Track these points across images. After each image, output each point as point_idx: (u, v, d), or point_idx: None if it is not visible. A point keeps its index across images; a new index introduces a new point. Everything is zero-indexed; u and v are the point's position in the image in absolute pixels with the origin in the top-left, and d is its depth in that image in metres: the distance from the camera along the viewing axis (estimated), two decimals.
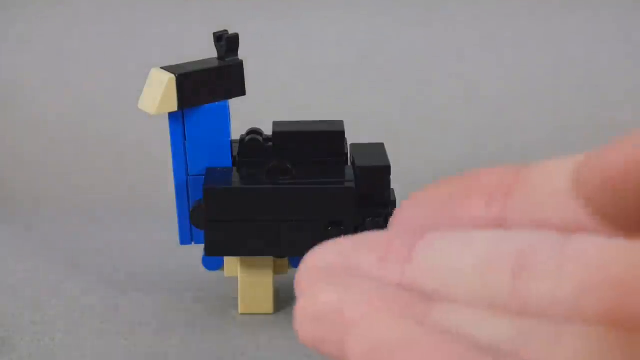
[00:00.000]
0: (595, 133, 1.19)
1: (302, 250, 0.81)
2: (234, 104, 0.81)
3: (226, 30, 0.81)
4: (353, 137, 0.84)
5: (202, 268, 0.85)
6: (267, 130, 0.83)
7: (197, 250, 0.86)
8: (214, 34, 0.81)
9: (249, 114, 0.93)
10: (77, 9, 1.26)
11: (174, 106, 0.78)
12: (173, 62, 0.80)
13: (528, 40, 1.26)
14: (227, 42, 0.80)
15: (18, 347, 0.78)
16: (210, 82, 0.79)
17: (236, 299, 0.84)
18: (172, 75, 0.77)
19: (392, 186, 0.79)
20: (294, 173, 0.80)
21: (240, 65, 0.81)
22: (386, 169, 0.78)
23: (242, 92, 0.81)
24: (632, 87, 1.23)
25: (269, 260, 0.82)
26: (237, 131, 0.83)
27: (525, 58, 1.25)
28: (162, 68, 0.79)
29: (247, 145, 0.81)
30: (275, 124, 0.83)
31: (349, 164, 0.82)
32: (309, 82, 1.23)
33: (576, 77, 1.24)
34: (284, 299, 0.86)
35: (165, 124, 0.80)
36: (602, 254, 0.33)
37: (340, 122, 0.83)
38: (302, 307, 0.37)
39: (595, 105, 1.22)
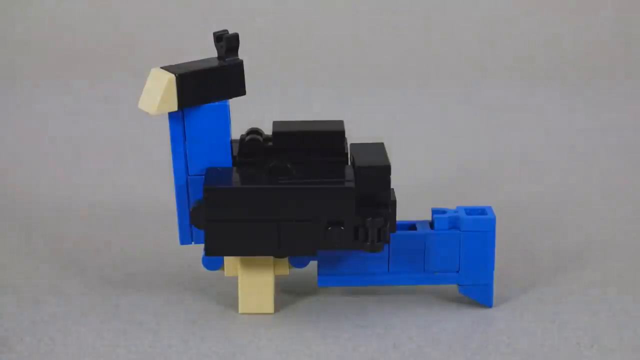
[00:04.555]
0: (595, 134, 1.19)
1: (302, 250, 0.82)
2: (234, 104, 0.81)
3: (226, 30, 0.81)
4: (353, 137, 0.84)
5: (202, 268, 0.85)
6: (267, 130, 0.83)
7: (197, 250, 0.86)
8: (214, 33, 0.81)
9: (249, 114, 0.92)
10: (77, 9, 1.26)
11: (174, 106, 0.78)
12: (173, 62, 0.80)
13: (529, 40, 1.26)
14: (227, 42, 0.80)
15: (18, 347, 0.78)
16: (210, 82, 0.79)
17: (236, 299, 0.84)
18: (172, 75, 0.77)
19: (392, 186, 0.79)
20: (294, 173, 0.80)
21: (240, 65, 0.81)
22: (386, 169, 0.78)
23: (242, 92, 0.81)
24: (632, 87, 1.23)
25: (269, 260, 0.82)
26: (237, 131, 0.83)
27: (526, 57, 1.25)
28: (162, 68, 0.79)
29: (247, 145, 0.81)
30: (275, 123, 0.83)
31: (349, 164, 0.82)
32: (309, 82, 1.23)
33: (577, 77, 1.24)
34: (284, 299, 0.86)
35: (165, 124, 0.80)
36: None
37: (340, 122, 0.83)
38: None
39: (596, 106, 1.22)
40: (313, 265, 0.84)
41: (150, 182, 1.09)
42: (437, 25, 1.26)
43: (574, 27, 1.26)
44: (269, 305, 0.83)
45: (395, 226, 0.80)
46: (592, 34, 1.26)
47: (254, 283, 0.83)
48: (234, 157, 0.82)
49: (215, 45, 0.81)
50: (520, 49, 1.25)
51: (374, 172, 0.78)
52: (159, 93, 0.77)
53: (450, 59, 1.25)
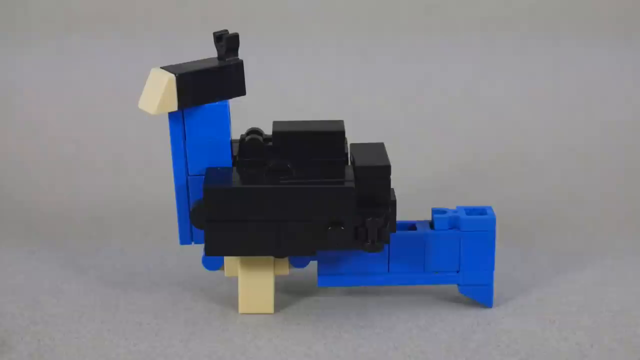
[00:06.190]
0: (595, 134, 1.19)
1: (302, 250, 0.82)
2: (234, 104, 0.81)
3: (226, 30, 0.81)
4: (353, 137, 0.84)
5: (202, 268, 0.85)
6: (267, 130, 0.83)
7: (197, 250, 0.86)
8: (214, 33, 0.81)
9: (249, 114, 0.93)
10: (76, 9, 1.26)
11: (174, 106, 0.78)
12: (173, 62, 0.80)
13: (529, 41, 1.26)
14: (227, 42, 0.80)
15: (18, 347, 0.78)
16: (210, 82, 0.79)
17: (236, 299, 0.84)
18: (172, 75, 0.77)
19: (392, 186, 0.79)
20: (294, 173, 0.80)
21: (240, 65, 0.81)
22: (386, 169, 0.78)
23: (242, 92, 0.81)
24: (632, 87, 1.23)
25: (269, 260, 0.82)
26: (237, 131, 0.83)
27: (527, 58, 1.25)
28: (162, 68, 0.79)
29: (247, 145, 0.81)
30: (275, 123, 0.83)
31: (349, 164, 0.82)
32: (309, 82, 1.23)
33: (576, 78, 1.24)
34: (284, 299, 0.86)
35: (165, 124, 0.80)
36: None
37: (340, 122, 0.83)
38: None
39: (595, 106, 1.22)
40: (313, 265, 0.84)
41: (150, 182, 1.09)
42: (437, 25, 1.26)
43: (573, 26, 1.26)
44: (269, 305, 0.83)
45: (395, 226, 0.80)
46: (591, 33, 1.26)
47: (254, 283, 0.83)
48: (234, 157, 0.82)
49: (215, 45, 0.81)
50: (519, 48, 1.25)
51: (374, 172, 0.78)
52: (159, 93, 0.77)
53: (449, 58, 1.25)
